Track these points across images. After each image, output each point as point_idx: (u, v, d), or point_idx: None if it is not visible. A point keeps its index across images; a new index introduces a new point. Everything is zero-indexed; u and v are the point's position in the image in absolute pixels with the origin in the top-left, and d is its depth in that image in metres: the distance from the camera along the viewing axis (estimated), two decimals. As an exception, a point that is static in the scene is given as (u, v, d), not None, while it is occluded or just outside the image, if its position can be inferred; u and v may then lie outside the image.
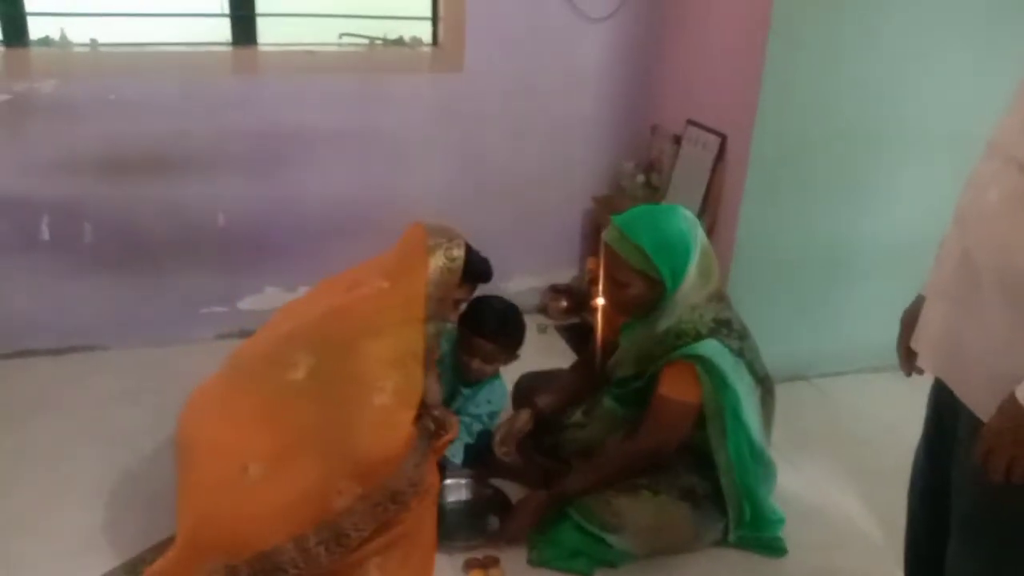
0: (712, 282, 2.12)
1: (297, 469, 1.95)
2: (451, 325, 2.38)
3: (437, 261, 2.15)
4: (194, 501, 1.96)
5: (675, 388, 2.07)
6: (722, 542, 2.23)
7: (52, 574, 2.04)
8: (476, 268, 2.27)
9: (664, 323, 2.09)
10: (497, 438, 2.35)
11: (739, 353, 2.07)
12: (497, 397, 2.51)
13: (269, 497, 1.93)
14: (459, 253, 2.18)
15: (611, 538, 2.10)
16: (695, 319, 2.07)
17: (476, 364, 2.40)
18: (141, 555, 2.08)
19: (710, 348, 2.04)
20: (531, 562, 2.15)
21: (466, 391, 2.47)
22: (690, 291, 2.07)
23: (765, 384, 2.19)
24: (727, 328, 2.08)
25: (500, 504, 2.29)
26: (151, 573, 1.92)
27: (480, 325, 2.38)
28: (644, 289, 2.07)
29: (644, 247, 2.02)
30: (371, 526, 1.95)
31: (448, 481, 2.30)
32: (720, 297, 2.16)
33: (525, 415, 2.37)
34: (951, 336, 1.43)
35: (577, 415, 2.43)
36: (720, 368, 2.03)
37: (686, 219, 2.10)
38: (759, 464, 2.18)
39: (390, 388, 2.02)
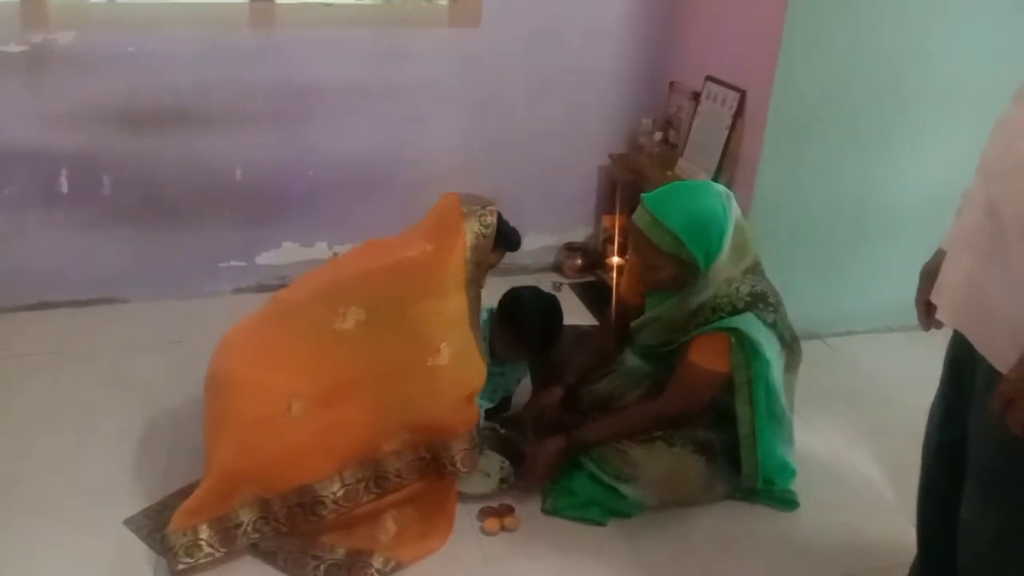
0: (748, 256, 2.10)
1: (346, 411, 2.00)
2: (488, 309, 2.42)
3: (473, 227, 2.21)
4: (232, 434, 2.01)
5: (705, 356, 2.06)
6: (734, 495, 2.26)
7: (77, 517, 2.08)
8: (506, 235, 2.32)
9: (698, 299, 2.07)
10: (529, 421, 2.35)
11: (772, 325, 2.07)
12: (523, 366, 2.54)
13: (314, 433, 1.98)
14: (492, 220, 2.24)
15: (625, 488, 2.12)
16: (731, 293, 2.05)
17: (511, 354, 2.41)
18: (163, 500, 2.12)
19: (745, 321, 2.02)
20: (545, 511, 2.18)
21: (495, 361, 2.46)
22: (724, 268, 2.05)
23: (792, 348, 2.18)
24: (763, 302, 2.06)
25: (515, 453, 2.32)
26: (184, 509, 1.96)
27: (525, 337, 2.36)
28: (676, 271, 2.04)
29: (676, 231, 1.97)
30: (412, 477, 2.02)
31: None
32: (756, 269, 2.13)
33: (557, 394, 2.35)
34: (972, 287, 1.42)
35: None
36: (755, 340, 2.02)
37: (719, 195, 2.04)
38: (780, 426, 2.19)
39: (447, 352, 2.07)
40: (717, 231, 2.01)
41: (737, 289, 2.06)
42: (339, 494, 1.97)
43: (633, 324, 2.29)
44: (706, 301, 2.07)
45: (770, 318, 2.06)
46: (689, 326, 2.10)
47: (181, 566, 1.90)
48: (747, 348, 2.04)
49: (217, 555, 1.94)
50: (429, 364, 2.06)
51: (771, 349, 2.07)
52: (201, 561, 1.92)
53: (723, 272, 2.05)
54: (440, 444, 2.03)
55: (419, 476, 2.05)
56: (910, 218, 2.95)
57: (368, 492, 2.00)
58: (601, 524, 2.15)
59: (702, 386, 2.10)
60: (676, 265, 2.03)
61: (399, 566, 1.97)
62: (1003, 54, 2.79)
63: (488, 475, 2.22)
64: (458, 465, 2.05)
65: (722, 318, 2.04)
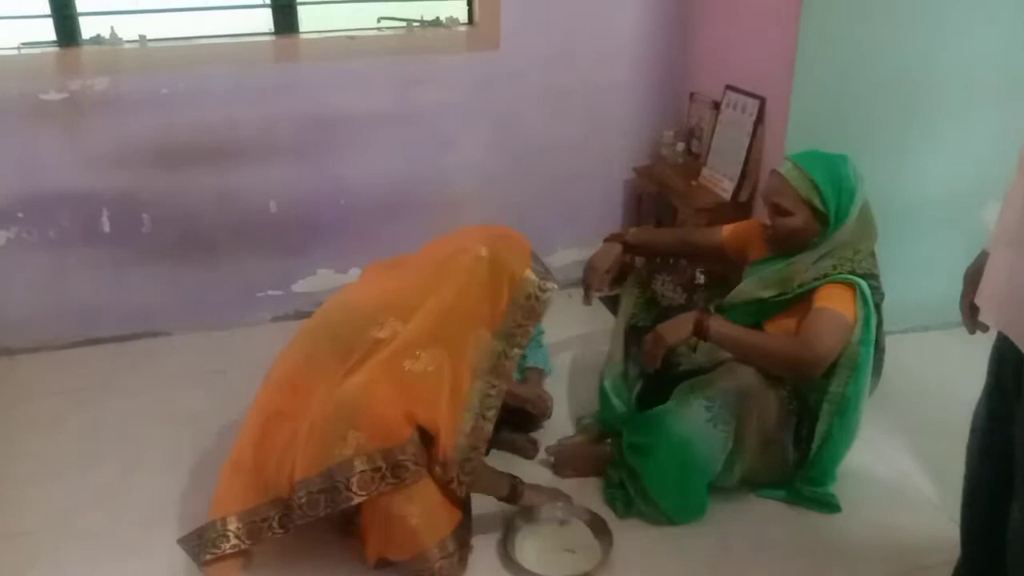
0: (871, 238, 2.18)
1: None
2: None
3: (528, 288, 2.00)
4: (250, 424, 2.07)
5: (834, 301, 2.09)
6: (776, 497, 2.27)
7: (126, 544, 2.14)
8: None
9: (816, 255, 2.15)
10: (587, 278, 2.39)
11: (877, 308, 2.14)
12: (540, 359, 2.59)
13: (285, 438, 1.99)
14: (552, 286, 2.02)
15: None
16: (854, 259, 2.13)
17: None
18: (212, 522, 2.14)
19: (865, 285, 2.10)
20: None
21: None
22: (848, 238, 2.14)
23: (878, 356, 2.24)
24: (876, 282, 2.15)
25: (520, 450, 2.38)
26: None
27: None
28: (806, 220, 2.13)
29: (816, 180, 2.10)
30: (363, 493, 1.89)
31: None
32: (874, 256, 2.21)
33: (616, 249, 2.42)
34: (1015, 286, 1.38)
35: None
36: (870, 303, 2.10)
37: (855, 170, 2.17)
38: (855, 424, 2.21)
39: (424, 357, 1.95)
40: (848, 193, 2.12)
41: (861, 261, 2.14)
42: (359, 479, 1.86)
43: (726, 300, 2.31)
44: (826, 260, 2.13)
45: (878, 299, 2.15)
46: (809, 276, 2.15)
47: (207, 556, 1.95)
48: (865, 307, 2.09)
49: (243, 546, 1.98)
50: (407, 368, 1.93)
51: (870, 332, 2.11)
52: (227, 552, 1.96)
53: (846, 240, 2.13)
54: (387, 451, 1.88)
55: (376, 493, 1.88)
56: (936, 217, 2.92)
57: (385, 482, 1.86)
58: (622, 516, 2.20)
59: (833, 331, 2.05)
60: (808, 214, 2.12)
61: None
62: (1018, 52, 2.78)
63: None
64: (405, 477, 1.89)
65: (844, 273, 2.11)
